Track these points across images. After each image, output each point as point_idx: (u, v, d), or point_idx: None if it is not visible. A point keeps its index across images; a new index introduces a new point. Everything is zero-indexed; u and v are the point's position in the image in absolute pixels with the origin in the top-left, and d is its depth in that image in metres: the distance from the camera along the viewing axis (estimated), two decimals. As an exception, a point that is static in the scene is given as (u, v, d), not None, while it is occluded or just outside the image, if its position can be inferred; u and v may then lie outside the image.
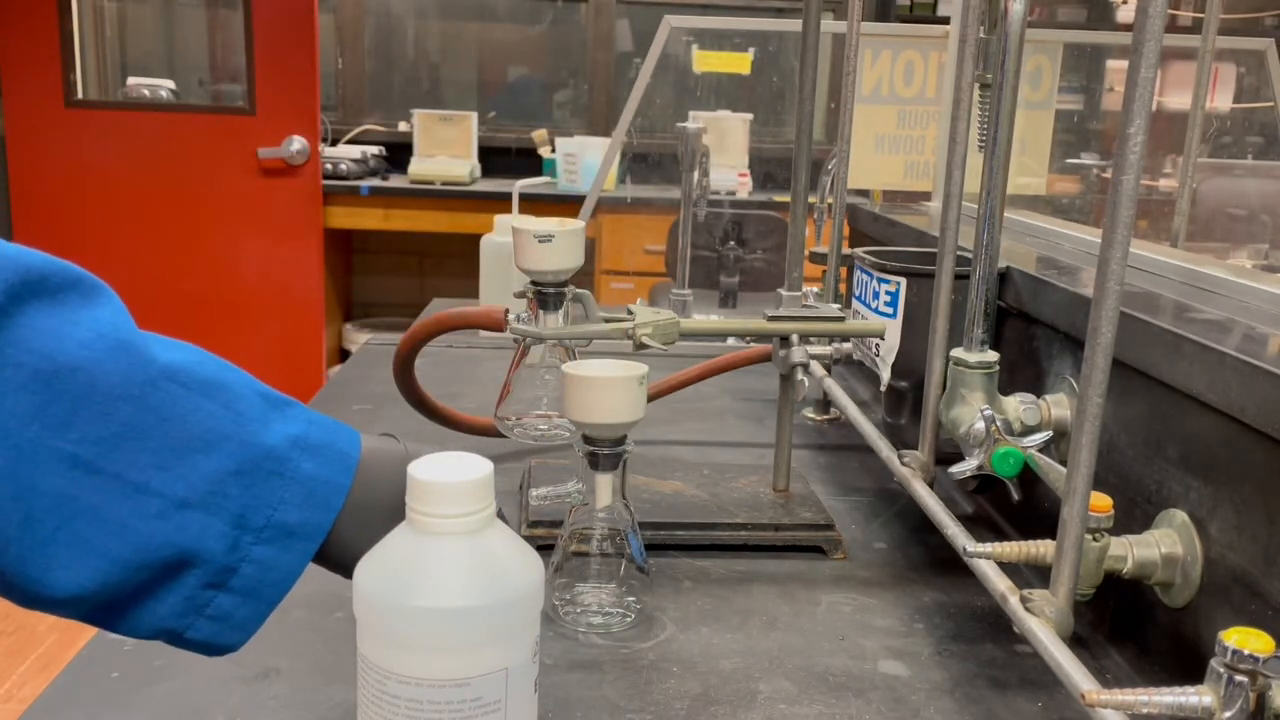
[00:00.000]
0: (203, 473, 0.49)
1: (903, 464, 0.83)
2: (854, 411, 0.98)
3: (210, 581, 0.50)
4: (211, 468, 0.49)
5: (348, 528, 0.53)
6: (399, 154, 3.80)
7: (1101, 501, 0.65)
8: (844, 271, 1.18)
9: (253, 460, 0.50)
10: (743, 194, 3.46)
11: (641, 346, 0.83)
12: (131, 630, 0.51)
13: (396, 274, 4.26)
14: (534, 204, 3.27)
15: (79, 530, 0.47)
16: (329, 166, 3.51)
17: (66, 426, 0.46)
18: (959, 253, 0.79)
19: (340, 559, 0.54)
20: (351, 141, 3.81)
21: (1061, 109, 1.80)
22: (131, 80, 3.48)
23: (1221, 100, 2.61)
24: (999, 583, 0.65)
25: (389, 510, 0.53)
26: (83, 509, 0.47)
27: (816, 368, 1.13)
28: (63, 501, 0.47)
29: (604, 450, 0.73)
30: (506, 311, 0.88)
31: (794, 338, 0.88)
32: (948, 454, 0.79)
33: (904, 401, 0.97)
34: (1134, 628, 0.73)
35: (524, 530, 0.86)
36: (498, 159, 3.92)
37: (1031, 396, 0.81)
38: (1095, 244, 0.73)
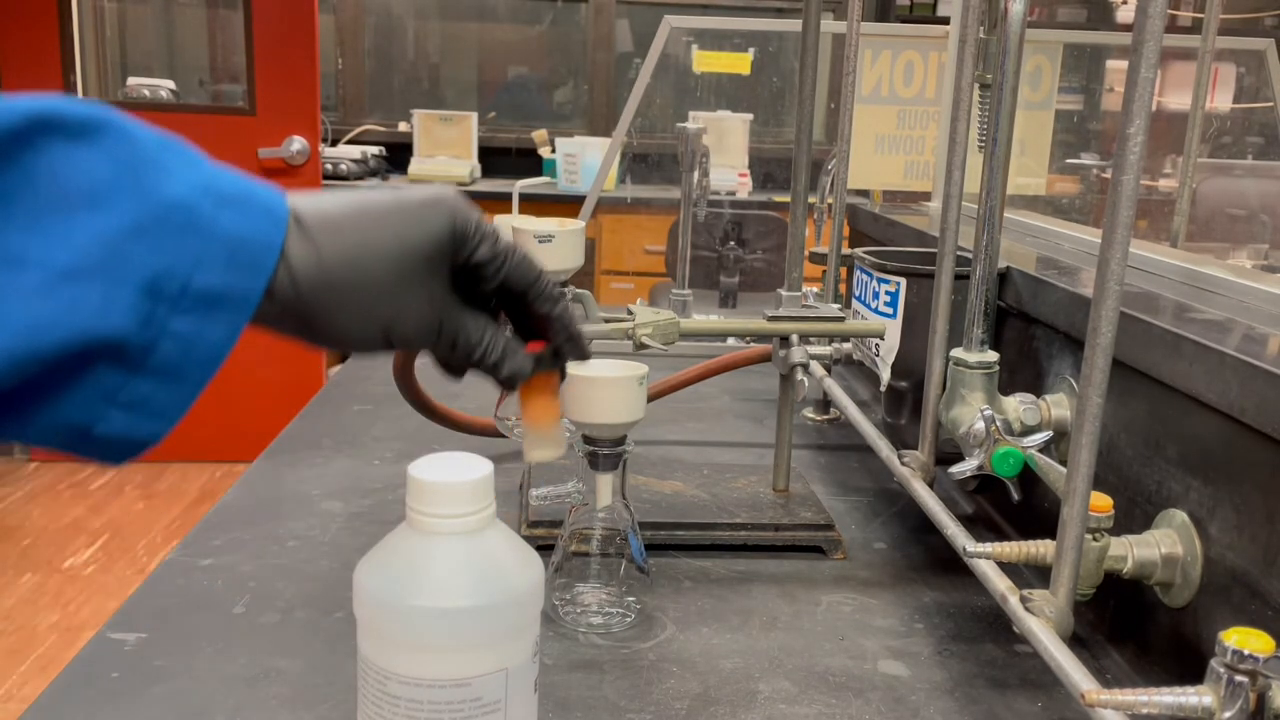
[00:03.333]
0: (90, 234, 0.40)
1: (903, 464, 0.83)
2: (854, 411, 0.98)
3: (122, 363, 0.42)
4: (100, 227, 0.40)
5: (315, 291, 0.46)
6: (399, 154, 3.80)
7: (1101, 501, 0.65)
8: (844, 271, 1.18)
9: (154, 215, 0.41)
10: (743, 194, 3.47)
11: (641, 346, 0.83)
12: (27, 435, 0.42)
13: (396, 274, 4.26)
14: (534, 204, 3.27)
15: None
16: (329, 167, 3.52)
17: None
18: (959, 253, 0.79)
19: (315, 329, 0.48)
20: (351, 142, 3.82)
21: (1061, 109, 1.81)
22: (131, 80, 3.48)
23: (1221, 100, 2.61)
24: (999, 583, 0.65)
25: (371, 262, 0.47)
26: None
27: (816, 368, 1.13)
28: None
29: (604, 450, 0.73)
30: (506, 311, 0.87)
31: (794, 338, 0.88)
32: (948, 454, 0.79)
33: (904, 401, 0.97)
34: (1134, 628, 0.73)
35: (524, 530, 0.86)
36: (498, 159, 3.93)
37: (1031, 396, 0.81)
38: (1095, 244, 0.73)
